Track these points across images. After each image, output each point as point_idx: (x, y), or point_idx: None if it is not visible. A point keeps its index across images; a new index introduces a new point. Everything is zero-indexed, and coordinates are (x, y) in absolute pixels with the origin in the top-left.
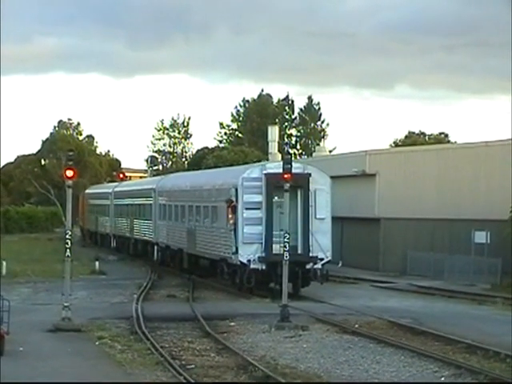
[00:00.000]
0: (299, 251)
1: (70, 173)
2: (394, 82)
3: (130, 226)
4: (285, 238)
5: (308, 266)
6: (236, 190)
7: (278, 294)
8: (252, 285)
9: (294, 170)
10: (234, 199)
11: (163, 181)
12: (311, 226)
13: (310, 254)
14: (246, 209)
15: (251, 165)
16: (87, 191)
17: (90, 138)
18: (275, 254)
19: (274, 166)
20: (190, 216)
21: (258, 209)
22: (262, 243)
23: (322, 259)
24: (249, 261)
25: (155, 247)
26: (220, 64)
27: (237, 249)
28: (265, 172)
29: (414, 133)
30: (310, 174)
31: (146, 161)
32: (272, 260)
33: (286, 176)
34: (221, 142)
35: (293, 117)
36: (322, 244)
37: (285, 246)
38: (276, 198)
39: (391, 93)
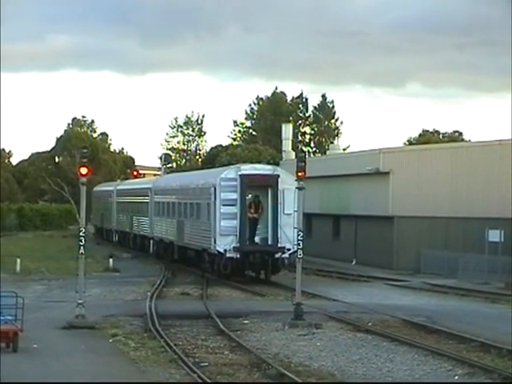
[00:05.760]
0: (269, 242)
1: (84, 170)
2: (406, 81)
3: (129, 222)
4: (298, 236)
5: (277, 256)
6: (215, 188)
7: (251, 280)
8: (228, 271)
9: (264, 172)
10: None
11: (158, 180)
12: (280, 221)
13: (279, 245)
14: (223, 205)
15: (228, 167)
16: (95, 189)
17: (104, 135)
18: (248, 245)
19: (248, 167)
20: (179, 212)
21: (234, 205)
22: (236, 235)
23: (289, 249)
24: (225, 250)
25: (151, 241)
26: (231, 62)
27: (215, 240)
28: (240, 173)
29: (428, 131)
30: (278, 175)
31: (160, 158)
32: (245, 250)
33: (300, 174)
34: (234, 139)
35: (307, 115)
36: (289, 236)
37: (298, 244)
38: (249, 195)
39: (403, 91)
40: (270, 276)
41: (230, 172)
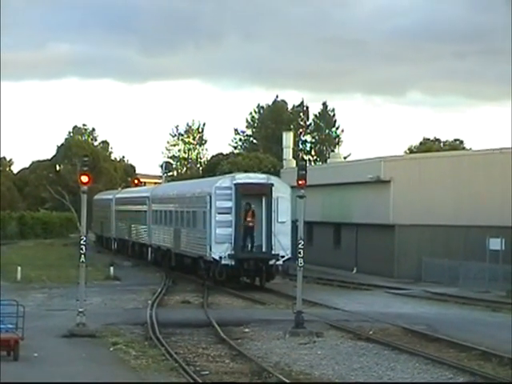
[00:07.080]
0: (263, 249)
1: (85, 178)
2: (406, 89)
3: (128, 230)
4: (299, 244)
5: (271, 263)
6: (210, 197)
7: (246, 287)
8: (223, 278)
9: (258, 181)
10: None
11: (156, 189)
12: (274, 228)
13: (273, 252)
14: (218, 213)
15: (223, 176)
16: (95, 197)
17: (105, 143)
18: (242, 252)
19: (243, 176)
20: (176, 220)
21: (229, 213)
22: (231, 242)
23: (283, 256)
24: (220, 257)
25: (149, 249)
26: (231, 70)
27: (210, 247)
28: (234, 182)
29: (428, 139)
30: (272, 184)
31: (161, 166)
32: (240, 257)
33: (300, 182)
34: (235, 148)
35: (307, 123)
36: (282, 243)
37: (299, 253)
38: (244, 204)
39: (403, 99)
40: (264, 283)
41: (225, 181)
